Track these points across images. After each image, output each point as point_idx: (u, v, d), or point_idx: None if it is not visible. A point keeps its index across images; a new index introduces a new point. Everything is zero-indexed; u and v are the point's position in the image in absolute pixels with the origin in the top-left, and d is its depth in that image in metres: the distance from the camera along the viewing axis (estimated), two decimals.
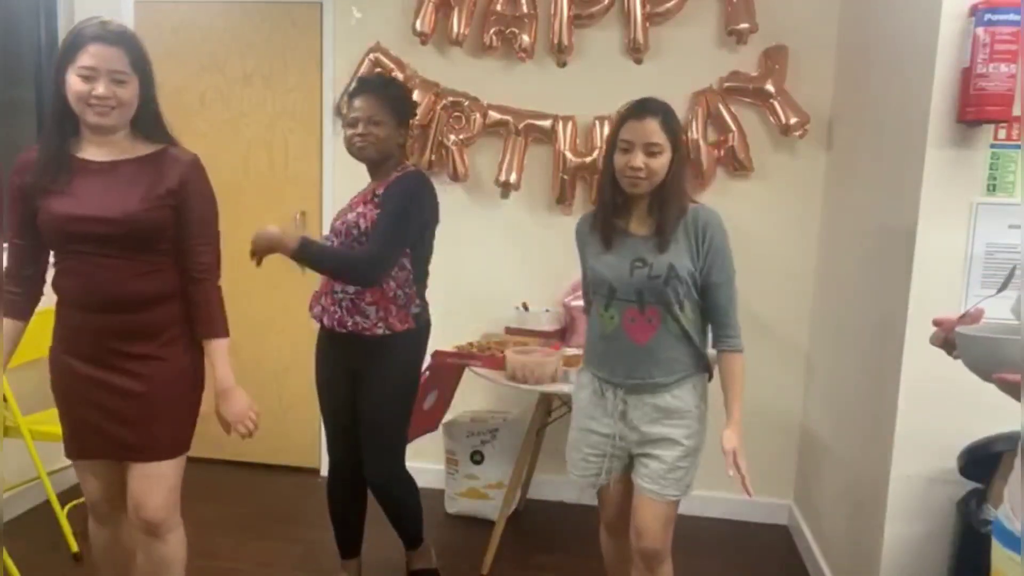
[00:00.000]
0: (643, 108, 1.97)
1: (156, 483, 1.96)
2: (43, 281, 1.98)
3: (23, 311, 1.96)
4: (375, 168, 2.43)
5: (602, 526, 2.29)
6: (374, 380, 2.43)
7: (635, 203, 2.03)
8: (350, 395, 2.48)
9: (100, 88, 1.78)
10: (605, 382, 2.08)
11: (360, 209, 2.37)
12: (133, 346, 1.90)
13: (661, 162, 1.95)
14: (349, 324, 2.39)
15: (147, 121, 1.92)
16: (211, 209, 1.98)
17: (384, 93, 2.39)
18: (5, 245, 1.95)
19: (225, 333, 1.99)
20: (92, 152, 1.88)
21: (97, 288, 1.86)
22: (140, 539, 2.02)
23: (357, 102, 2.38)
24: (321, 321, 2.46)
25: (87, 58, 1.78)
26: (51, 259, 1.95)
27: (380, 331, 2.39)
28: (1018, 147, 2.05)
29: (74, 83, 1.79)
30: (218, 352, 1.97)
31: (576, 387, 2.20)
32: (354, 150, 2.39)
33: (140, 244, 1.87)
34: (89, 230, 1.83)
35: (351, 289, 2.37)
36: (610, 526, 2.26)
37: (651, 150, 1.93)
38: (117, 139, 1.89)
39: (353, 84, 2.56)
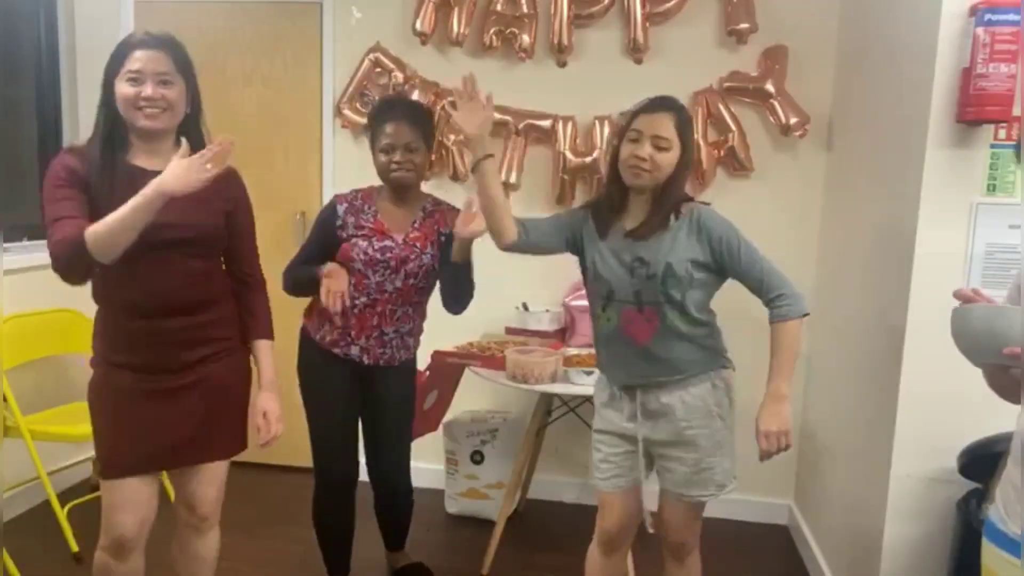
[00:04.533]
0: (657, 102, 1.95)
1: (215, 479, 2.05)
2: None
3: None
4: (405, 193, 2.41)
5: (595, 542, 2.16)
6: (393, 389, 2.50)
7: (633, 200, 2.00)
8: (357, 409, 2.51)
9: (148, 90, 1.81)
10: (614, 384, 2.07)
11: (430, 251, 2.40)
12: (196, 348, 1.93)
13: (668, 158, 1.91)
14: (397, 360, 2.46)
15: (193, 130, 1.94)
16: (252, 216, 2.08)
17: (416, 118, 2.39)
18: (6, 245, 1.94)
19: (273, 336, 2.10)
20: (143, 160, 1.88)
21: (159, 291, 1.86)
22: (185, 536, 2.09)
23: (390, 127, 2.33)
24: (358, 359, 2.41)
25: (133, 63, 1.81)
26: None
27: (413, 354, 2.54)
28: (1018, 147, 2.05)
29: (122, 89, 1.81)
30: (268, 352, 2.08)
31: (595, 389, 2.18)
32: (392, 178, 2.36)
33: (201, 251, 1.92)
34: (155, 236, 1.80)
35: (404, 328, 2.43)
36: (608, 541, 2.13)
37: (659, 144, 1.90)
38: (165, 148, 1.89)
39: (379, 105, 2.52)
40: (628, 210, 2.01)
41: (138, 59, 1.81)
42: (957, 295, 1.40)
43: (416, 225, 2.42)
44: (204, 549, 2.11)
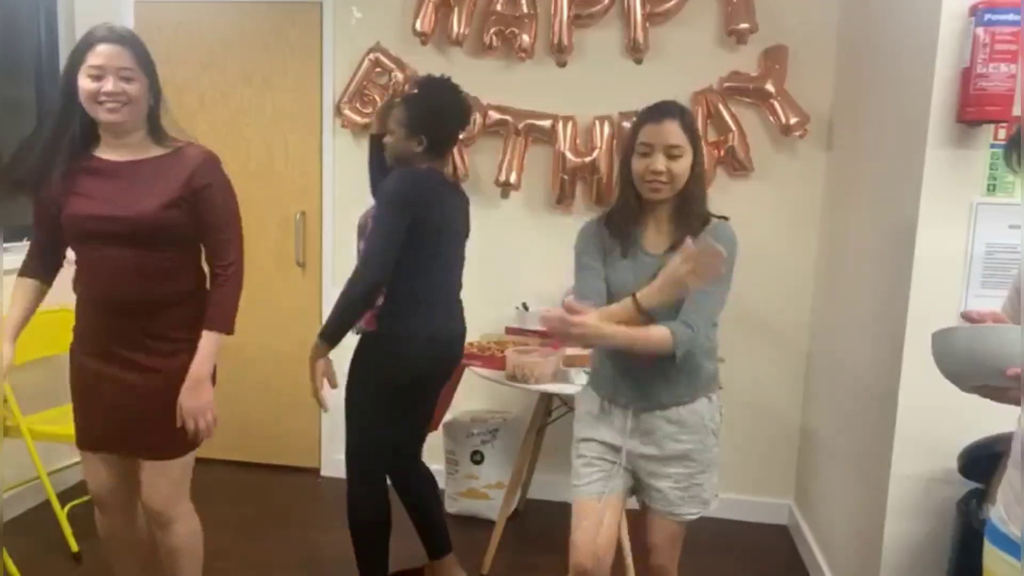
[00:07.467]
0: (661, 111, 1.86)
1: (161, 477, 2.03)
2: (58, 264, 2.08)
3: (39, 273, 2.05)
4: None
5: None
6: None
7: (652, 212, 1.91)
8: None
9: (109, 85, 1.84)
10: (611, 403, 1.97)
11: None
12: (142, 346, 1.94)
13: (683, 165, 1.83)
14: None
15: (159, 123, 1.97)
16: (229, 205, 2.00)
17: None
18: (6, 245, 1.99)
19: (225, 330, 1.98)
20: (108, 153, 1.93)
21: (108, 286, 1.91)
22: (155, 535, 2.12)
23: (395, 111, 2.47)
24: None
25: (95, 58, 1.84)
26: (70, 256, 2.02)
27: None
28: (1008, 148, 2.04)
29: (84, 83, 1.84)
30: (209, 343, 1.96)
31: (580, 399, 2.09)
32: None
33: (151, 243, 1.90)
34: (102, 228, 1.88)
35: None
36: (584, 571, 1.92)
37: (672, 152, 1.83)
38: (133, 141, 1.93)
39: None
40: (647, 222, 1.92)
41: (99, 53, 1.84)
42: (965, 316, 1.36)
43: None
44: (171, 541, 2.09)
